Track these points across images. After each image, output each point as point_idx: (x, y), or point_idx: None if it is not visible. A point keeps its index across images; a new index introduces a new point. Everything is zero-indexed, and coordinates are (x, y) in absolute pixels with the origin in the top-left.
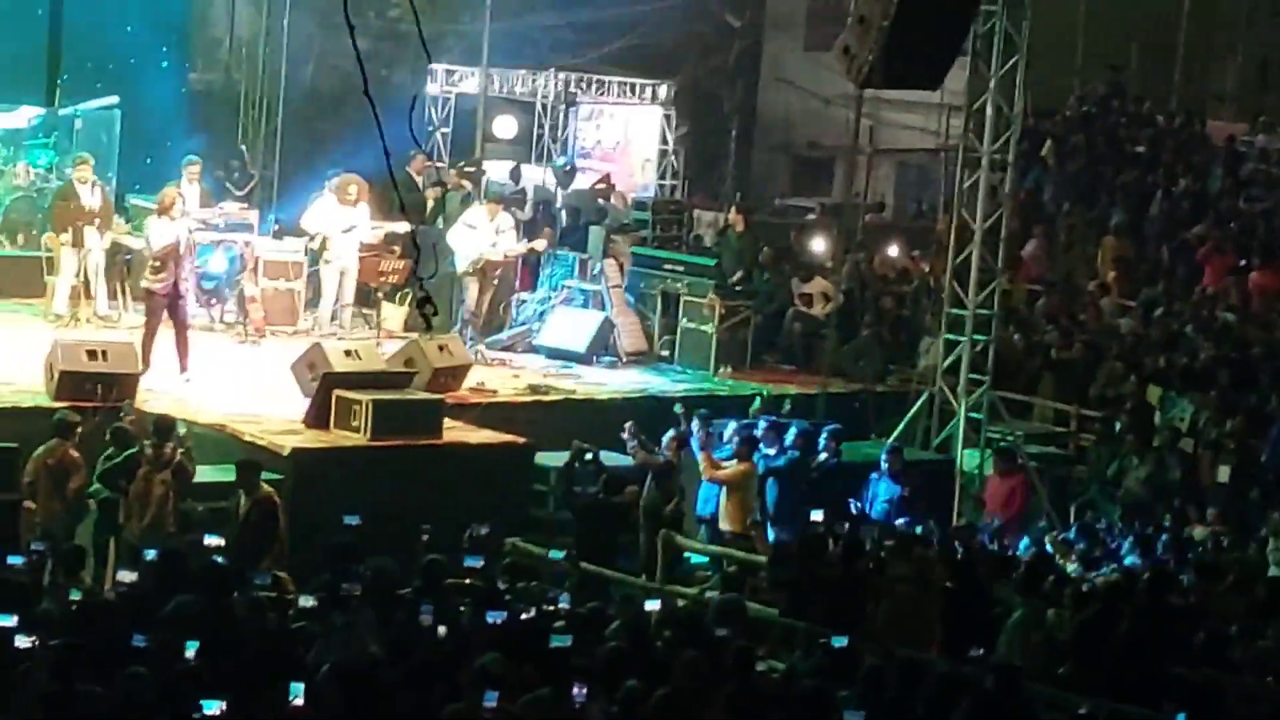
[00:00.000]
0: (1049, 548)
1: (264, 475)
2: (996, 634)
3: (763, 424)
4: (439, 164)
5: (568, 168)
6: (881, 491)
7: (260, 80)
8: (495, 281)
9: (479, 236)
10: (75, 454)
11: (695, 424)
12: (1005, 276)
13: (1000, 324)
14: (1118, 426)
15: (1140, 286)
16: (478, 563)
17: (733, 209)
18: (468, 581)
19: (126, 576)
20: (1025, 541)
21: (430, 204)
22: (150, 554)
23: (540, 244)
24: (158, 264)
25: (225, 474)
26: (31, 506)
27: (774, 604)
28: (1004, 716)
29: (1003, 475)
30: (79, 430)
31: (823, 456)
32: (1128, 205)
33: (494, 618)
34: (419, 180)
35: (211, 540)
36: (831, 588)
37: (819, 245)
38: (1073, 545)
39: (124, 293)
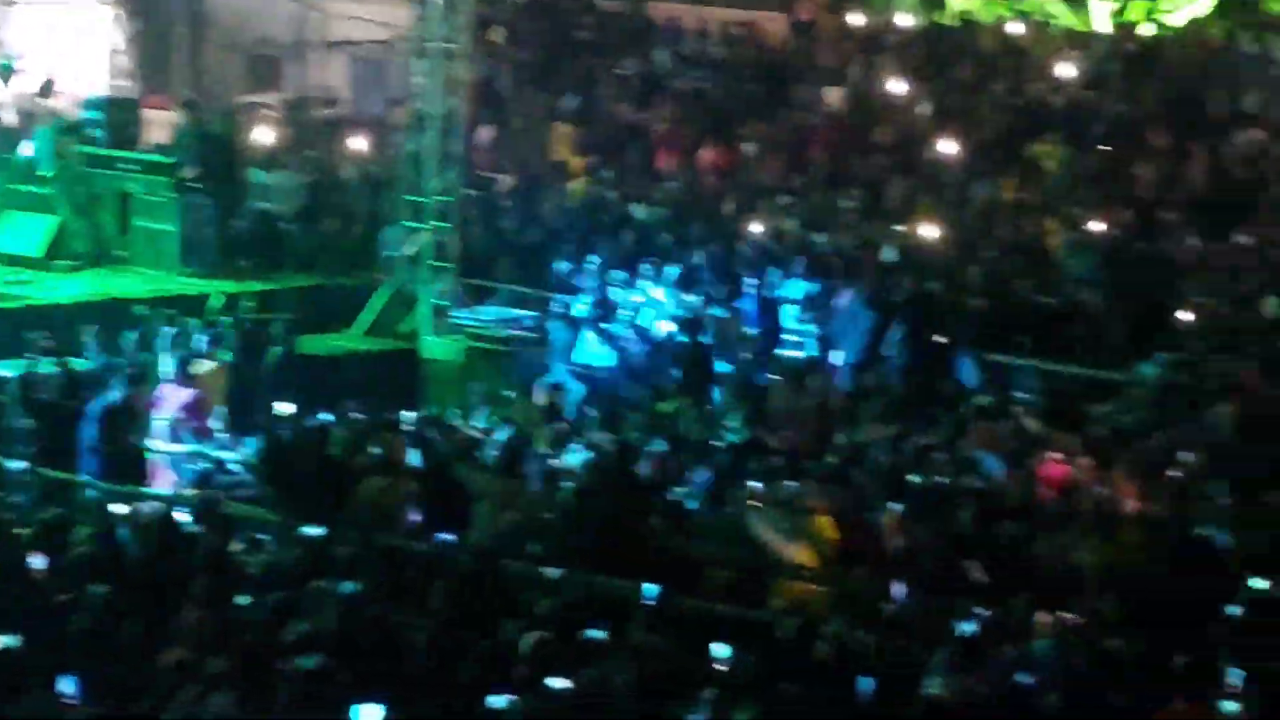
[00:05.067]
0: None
1: None
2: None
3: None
4: None
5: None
6: None
7: None
8: None
9: None
10: None
11: (163, 326)
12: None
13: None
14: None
15: (597, 170)
16: None
17: (177, 106)
18: None
19: None
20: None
21: None
22: None
23: None
24: None
25: None
26: None
27: (251, 500)
28: (482, 595)
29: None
30: None
31: (277, 350)
32: (579, 90)
33: None
34: None
35: None
36: (306, 478)
37: (272, 139)
38: (545, 426)
39: None
